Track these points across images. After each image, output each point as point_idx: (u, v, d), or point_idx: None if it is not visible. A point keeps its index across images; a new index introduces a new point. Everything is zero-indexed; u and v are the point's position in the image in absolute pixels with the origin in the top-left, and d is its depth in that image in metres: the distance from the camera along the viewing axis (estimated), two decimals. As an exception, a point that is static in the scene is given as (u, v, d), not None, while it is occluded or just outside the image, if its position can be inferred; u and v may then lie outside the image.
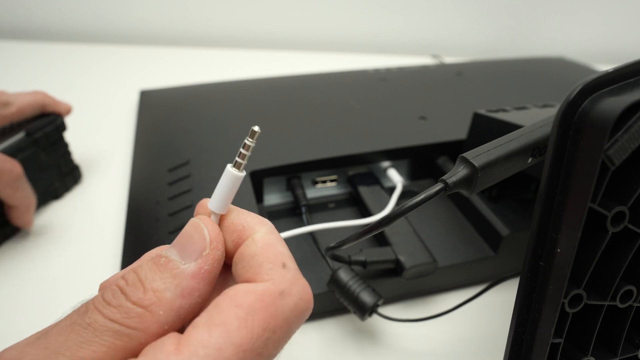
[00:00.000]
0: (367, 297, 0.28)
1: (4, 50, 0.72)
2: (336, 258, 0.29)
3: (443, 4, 0.79)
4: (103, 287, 0.15)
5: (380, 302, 0.28)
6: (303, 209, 0.35)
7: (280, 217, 0.37)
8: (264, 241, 0.16)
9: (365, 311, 0.28)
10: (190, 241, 0.15)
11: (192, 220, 0.16)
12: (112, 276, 0.15)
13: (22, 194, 0.34)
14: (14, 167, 0.32)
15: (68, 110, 0.41)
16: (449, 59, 0.75)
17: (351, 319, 0.32)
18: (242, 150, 0.17)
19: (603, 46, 0.82)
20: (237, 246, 0.16)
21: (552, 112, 0.32)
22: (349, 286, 0.28)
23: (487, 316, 0.32)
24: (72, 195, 0.42)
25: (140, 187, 0.38)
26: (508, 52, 0.82)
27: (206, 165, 0.37)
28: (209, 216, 0.17)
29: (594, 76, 0.17)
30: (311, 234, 0.33)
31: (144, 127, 0.46)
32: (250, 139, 0.16)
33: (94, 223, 0.39)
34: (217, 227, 0.16)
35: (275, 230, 0.17)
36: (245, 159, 0.17)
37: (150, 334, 0.14)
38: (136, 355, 0.14)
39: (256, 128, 0.16)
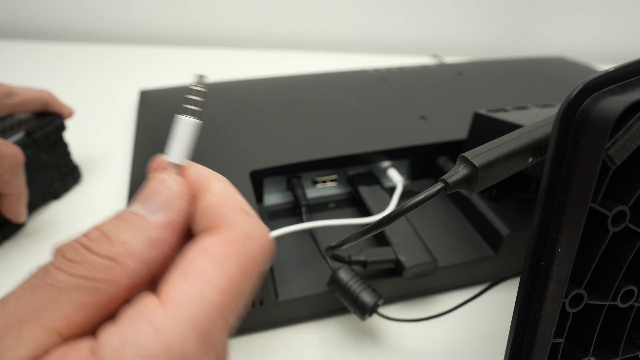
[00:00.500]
0: (367, 297, 0.28)
1: (5, 50, 0.72)
2: (336, 258, 0.29)
3: (443, 4, 0.79)
4: (60, 249, 0.14)
5: (380, 302, 0.28)
6: (303, 209, 0.35)
7: (280, 217, 0.37)
8: (223, 192, 0.16)
9: (365, 311, 0.28)
10: (157, 195, 0.15)
11: (155, 175, 0.16)
12: (68, 238, 0.14)
13: (19, 182, 0.34)
14: (17, 152, 0.32)
15: (70, 113, 0.41)
16: (449, 59, 0.75)
17: (351, 318, 0.32)
18: (191, 96, 0.16)
19: (603, 46, 0.82)
20: (194, 197, 0.16)
21: (552, 111, 0.32)
22: (349, 286, 0.28)
23: (488, 316, 0.32)
24: (72, 195, 0.42)
25: (140, 186, 0.38)
26: (508, 52, 0.82)
27: (206, 165, 0.37)
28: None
29: (594, 75, 0.17)
30: (311, 234, 0.33)
31: (144, 127, 0.46)
32: (197, 85, 0.16)
33: (94, 223, 0.39)
34: (182, 178, 0.16)
35: (230, 184, 0.17)
36: (198, 105, 0.16)
37: (120, 287, 0.13)
38: (110, 311, 0.13)
39: (202, 73, 0.16)
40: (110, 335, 0.12)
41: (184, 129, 0.16)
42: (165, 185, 0.15)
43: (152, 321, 0.12)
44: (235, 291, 0.14)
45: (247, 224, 0.15)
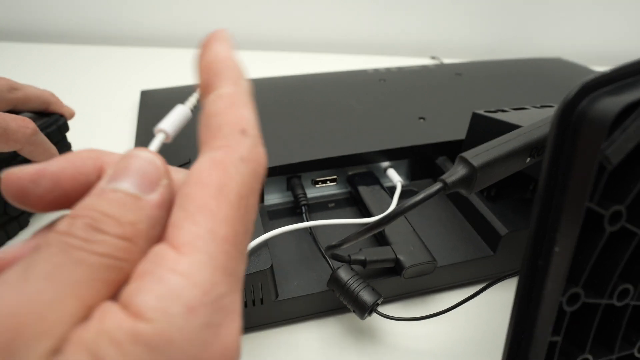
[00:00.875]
0: (366, 296, 0.28)
1: (6, 51, 0.72)
2: (336, 257, 0.29)
3: (442, 6, 0.79)
4: (67, 229, 0.13)
5: (380, 301, 0.28)
6: (303, 209, 0.35)
7: (280, 216, 0.37)
8: (230, 100, 0.15)
9: (365, 310, 0.28)
10: (146, 174, 0.14)
11: (138, 153, 0.15)
12: (58, 220, 0.14)
13: (43, 147, 0.34)
14: (26, 123, 0.33)
15: (72, 115, 0.41)
16: (447, 61, 0.75)
17: (351, 317, 0.32)
18: (193, 97, 0.18)
19: (600, 48, 0.82)
20: (205, 88, 0.16)
21: (550, 112, 0.32)
22: (348, 285, 0.28)
23: (486, 315, 0.32)
24: (73, 195, 0.42)
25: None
26: (506, 54, 0.82)
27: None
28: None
29: (592, 76, 0.17)
30: (311, 234, 0.33)
31: (145, 127, 0.46)
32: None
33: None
34: (161, 157, 0.15)
35: (247, 92, 0.16)
36: (195, 103, 0.17)
37: (134, 265, 0.13)
38: (121, 286, 0.13)
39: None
40: (140, 294, 0.12)
41: (178, 111, 0.17)
42: (153, 164, 0.15)
43: (178, 270, 0.12)
44: (240, 220, 0.13)
45: (240, 145, 0.14)
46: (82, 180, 0.15)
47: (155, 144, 0.17)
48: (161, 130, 0.17)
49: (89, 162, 0.15)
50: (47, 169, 0.15)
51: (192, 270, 0.12)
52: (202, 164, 0.14)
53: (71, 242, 0.12)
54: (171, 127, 0.17)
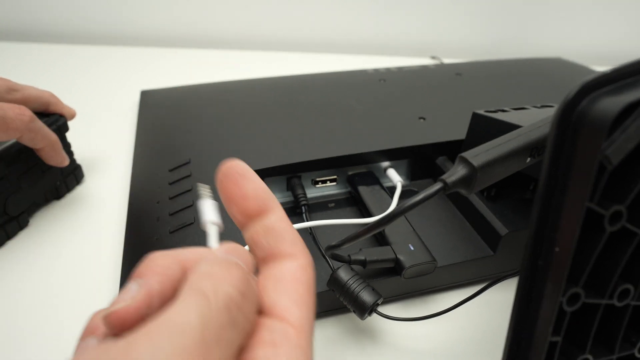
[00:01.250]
0: (366, 296, 0.28)
1: (6, 51, 0.73)
2: (336, 257, 0.29)
3: (442, 6, 0.79)
4: (227, 302, 0.15)
5: (380, 301, 0.28)
6: (303, 209, 0.35)
7: (280, 216, 0.37)
8: (285, 218, 0.19)
9: (365, 310, 0.28)
10: (246, 260, 0.17)
11: (232, 247, 0.18)
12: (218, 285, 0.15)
13: (42, 133, 0.35)
14: (22, 110, 0.33)
15: (72, 115, 0.41)
16: (447, 61, 0.75)
17: (351, 318, 0.32)
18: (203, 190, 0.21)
19: (600, 48, 0.82)
20: (252, 216, 0.18)
21: (550, 112, 0.32)
22: (348, 285, 0.28)
23: (486, 315, 0.32)
24: (74, 195, 0.42)
25: (141, 186, 0.38)
26: (506, 54, 0.82)
27: (206, 165, 0.37)
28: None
29: (592, 76, 0.17)
30: (311, 234, 0.33)
31: (145, 127, 0.46)
32: (203, 187, 0.21)
33: (96, 222, 0.39)
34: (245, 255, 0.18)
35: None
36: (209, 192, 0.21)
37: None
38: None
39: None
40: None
41: (210, 204, 0.20)
42: (244, 254, 0.18)
43: (299, 345, 0.15)
44: (314, 312, 0.17)
45: (308, 253, 0.18)
46: (175, 286, 0.16)
47: (214, 236, 0.19)
48: (214, 223, 0.20)
49: (175, 266, 0.17)
50: (153, 290, 0.15)
51: (305, 345, 0.16)
52: (292, 264, 0.18)
53: (228, 314, 0.15)
54: (217, 217, 0.20)
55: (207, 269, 0.15)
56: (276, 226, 0.18)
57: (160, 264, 0.16)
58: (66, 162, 0.39)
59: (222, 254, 0.17)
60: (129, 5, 0.78)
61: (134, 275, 0.16)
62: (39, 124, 0.35)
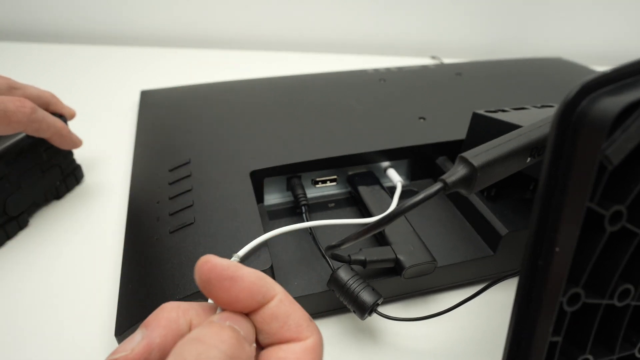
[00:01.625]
0: (366, 296, 0.28)
1: (6, 51, 0.73)
2: (336, 257, 0.29)
3: (442, 6, 0.79)
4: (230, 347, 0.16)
5: (380, 301, 0.28)
6: (303, 209, 0.35)
7: (280, 216, 0.37)
8: (289, 299, 0.19)
9: (365, 310, 0.28)
10: (248, 329, 0.18)
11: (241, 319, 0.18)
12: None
13: (47, 122, 0.35)
14: (23, 102, 0.33)
15: (72, 115, 0.41)
16: (447, 61, 0.75)
17: (351, 318, 0.32)
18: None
19: (600, 48, 0.82)
20: (257, 304, 0.18)
21: (550, 112, 0.32)
22: (348, 285, 0.28)
23: (487, 315, 0.32)
24: (74, 195, 0.42)
25: (141, 186, 0.38)
26: (506, 54, 0.82)
27: (206, 165, 0.37)
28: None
29: (592, 76, 0.17)
30: (311, 234, 0.33)
31: (145, 127, 0.46)
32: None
33: (95, 222, 0.39)
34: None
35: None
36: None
37: None
38: None
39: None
40: None
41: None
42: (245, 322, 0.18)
43: None
44: None
45: (317, 331, 0.18)
46: (179, 337, 0.17)
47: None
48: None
49: (182, 320, 0.17)
50: (153, 343, 0.16)
51: None
52: (302, 346, 0.18)
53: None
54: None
55: (197, 333, 0.15)
56: (277, 312, 0.18)
57: (167, 316, 0.17)
58: (79, 144, 0.39)
59: (218, 318, 0.17)
60: (129, 5, 0.78)
61: (142, 324, 0.17)
62: (42, 113, 0.35)
